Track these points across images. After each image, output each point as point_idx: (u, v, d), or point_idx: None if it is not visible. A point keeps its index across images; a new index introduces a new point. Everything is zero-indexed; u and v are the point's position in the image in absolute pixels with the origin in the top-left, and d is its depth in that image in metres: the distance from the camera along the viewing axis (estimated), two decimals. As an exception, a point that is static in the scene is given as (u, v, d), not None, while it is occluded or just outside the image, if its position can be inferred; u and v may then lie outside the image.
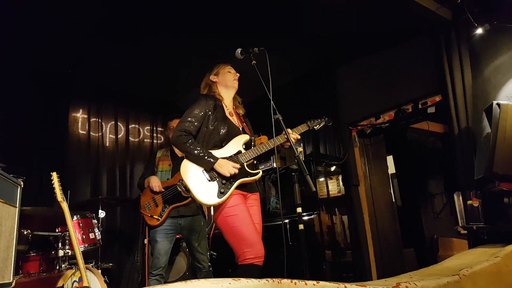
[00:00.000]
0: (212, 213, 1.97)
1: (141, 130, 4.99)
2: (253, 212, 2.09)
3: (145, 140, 5.01)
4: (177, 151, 3.14)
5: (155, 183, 2.95)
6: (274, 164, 3.80)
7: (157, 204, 2.94)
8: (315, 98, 4.53)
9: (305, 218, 3.54)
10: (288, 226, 3.38)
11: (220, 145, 2.11)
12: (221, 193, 1.95)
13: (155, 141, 5.08)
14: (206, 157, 2.01)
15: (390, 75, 3.99)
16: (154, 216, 2.89)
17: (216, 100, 2.20)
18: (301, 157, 4.03)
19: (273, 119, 2.03)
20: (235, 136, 2.15)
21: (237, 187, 2.02)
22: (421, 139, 4.96)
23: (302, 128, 2.29)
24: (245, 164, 2.07)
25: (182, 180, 2.02)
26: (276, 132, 2.08)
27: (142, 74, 4.33)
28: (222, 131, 2.11)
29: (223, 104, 2.23)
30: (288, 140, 2.06)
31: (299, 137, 2.22)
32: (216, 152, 2.07)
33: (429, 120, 4.21)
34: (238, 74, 2.29)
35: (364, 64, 4.25)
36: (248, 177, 2.05)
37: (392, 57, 4.00)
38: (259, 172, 2.09)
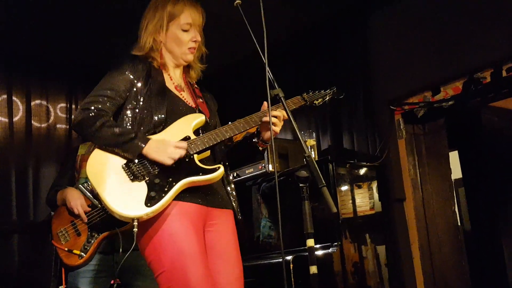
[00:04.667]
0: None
1: (51, 109, 4.99)
2: (217, 239, 2.10)
3: (58, 125, 5.01)
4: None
5: (75, 198, 2.93)
6: (270, 166, 3.80)
7: (79, 232, 2.93)
8: (334, 60, 4.53)
9: (319, 253, 3.58)
10: (291, 266, 3.41)
11: (154, 133, 2.11)
12: (151, 199, 1.91)
13: (74, 127, 5.06)
14: (129, 138, 1.99)
15: (453, 24, 4.01)
16: (75, 251, 2.88)
17: (150, 64, 2.21)
18: (314, 155, 4.05)
19: (268, 95, 2.02)
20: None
21: (186, 196, 2.00)
22: (505, 124, 5.01)
23: (295, 102, 2.31)
24: (195, 156, 2.06)
25: (89, 181, 2.00)
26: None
27: (52, 20, 4.27)
28: (159, 111, 2.11)
29: (164, 71, 2.24)
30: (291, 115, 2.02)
31: (286, 116, 2.18)
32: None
33: (518, 95, 4.26)
34: (198, 39, 2.24)
35: (411, 6, 4.26)
36: (199, 175, 2.03)
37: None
38: (219, 168, 2.06)
